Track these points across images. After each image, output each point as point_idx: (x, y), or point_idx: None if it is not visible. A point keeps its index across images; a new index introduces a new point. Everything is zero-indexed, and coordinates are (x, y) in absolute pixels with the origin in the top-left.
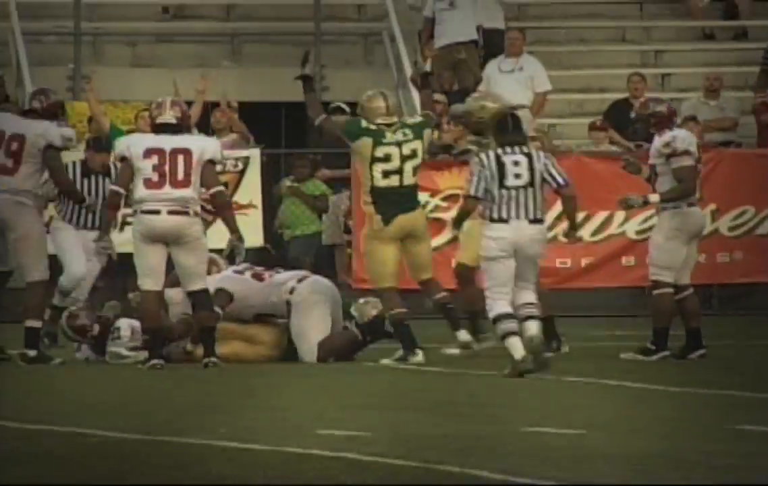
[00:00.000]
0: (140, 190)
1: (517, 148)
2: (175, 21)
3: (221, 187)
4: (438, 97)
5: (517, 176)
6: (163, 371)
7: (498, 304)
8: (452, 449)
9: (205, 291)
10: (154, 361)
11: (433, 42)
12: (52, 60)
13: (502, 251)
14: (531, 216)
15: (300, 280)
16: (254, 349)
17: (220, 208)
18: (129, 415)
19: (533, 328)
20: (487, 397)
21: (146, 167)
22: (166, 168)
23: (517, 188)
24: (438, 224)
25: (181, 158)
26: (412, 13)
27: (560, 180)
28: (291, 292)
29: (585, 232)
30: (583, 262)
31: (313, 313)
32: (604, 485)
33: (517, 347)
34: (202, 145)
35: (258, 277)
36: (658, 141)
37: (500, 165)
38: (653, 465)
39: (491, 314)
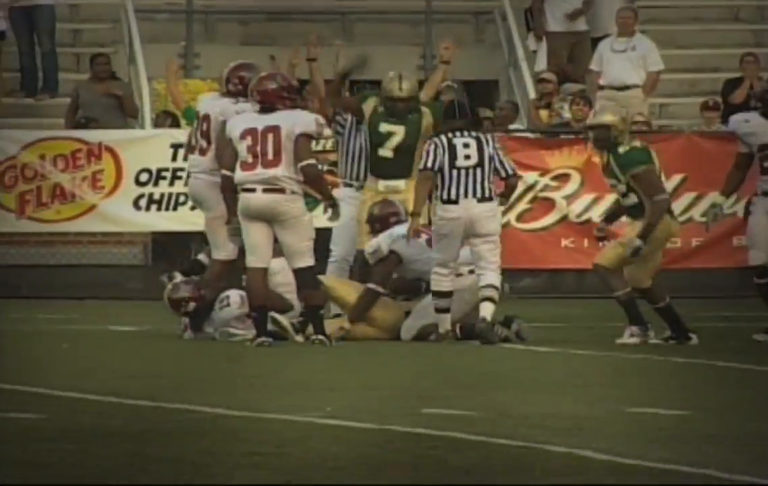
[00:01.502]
0: (239, 173)
1: (465, 133)
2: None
3: (311, 160)
4: (548, 75)
5: (467, 158)
6: (270, 349)
7: (440, 281)
8: (557, 429)
9: (310, 268)
10: (262, 339)
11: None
12: (165, 37)
13: (451, 230)
14: (479, 195)
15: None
16: (370, 331)
17: (310, 180)
18: (234, 393)
19: (486, 310)
20: (592, 377)
21: (242, 149)
22: (258, 148)
23: (466, 168)
24: (547, 203)
25: (270, 137)
26: None
27: (508, 169)
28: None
29: (695, 212)
30: (694, 242)
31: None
32: (710, 467)
33: (445, 322)
34: (293, 120)
35: (430, 243)
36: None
37: (451, 147)
38: (760, 447)
39: (433, 287)
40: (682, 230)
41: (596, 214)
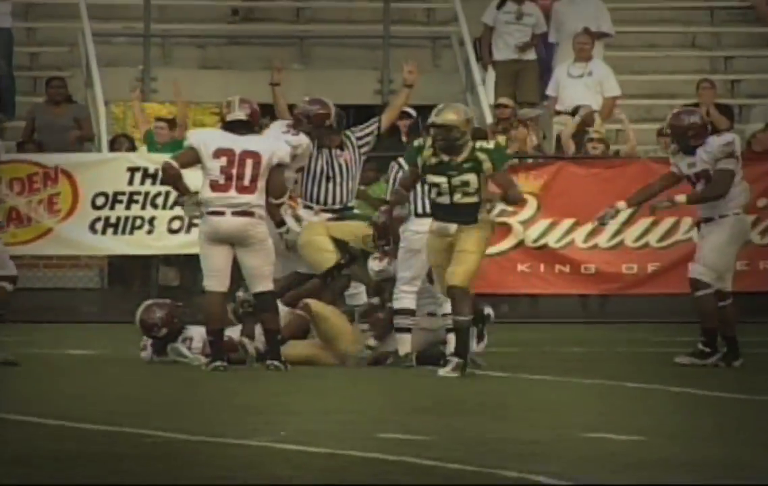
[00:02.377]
0: (206, 191)
1: None
2: (244, 23)
3: (283, 198)
4: (505, 100)
5: None
6: (225, 373)
7: (404, 298)
8: (511, 454)
9: (271, 293)
10: (217, 364)
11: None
12: (122, 61)
13: (424, 245)
14: None
15: None
16: (328, 355)
17: (274, 207)
18: (191, 417)
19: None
20: (547, 402)
21: (214, 168)
22: (234, 171)
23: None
24: (504, 228)
25: (249, 162)
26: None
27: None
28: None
29: (652, 238)
30: (650, 267)
31: None
32: None
33: (405, 344)
34: (272, 149)
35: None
36: (717, 141)
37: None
38: (713, 472)
39: (396, 305)
40: (638, 256)
41: (552, 239)
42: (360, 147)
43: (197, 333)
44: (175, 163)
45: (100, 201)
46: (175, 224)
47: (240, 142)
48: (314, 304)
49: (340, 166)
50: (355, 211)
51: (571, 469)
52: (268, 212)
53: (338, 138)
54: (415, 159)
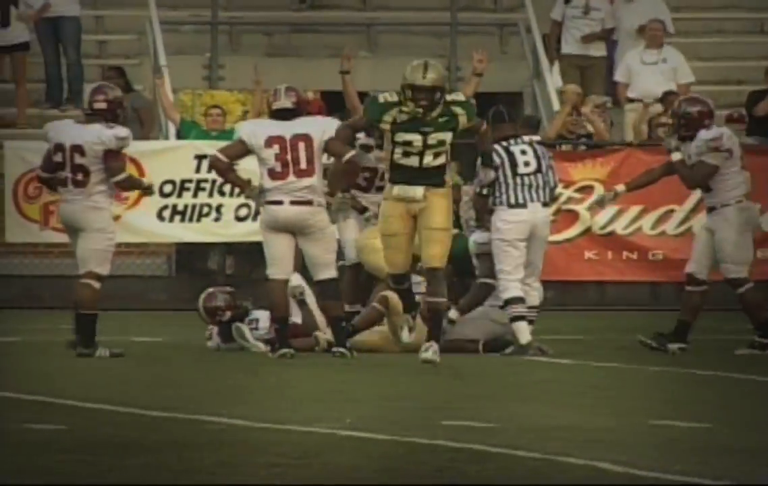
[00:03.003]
0: (266, 181)
1: (519, 140)
2: (311, 11)
3: (351, 155)
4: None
5: (527, 164)
6: (290, 360)
7: (510, 287)
8: (576, 441)
9: (334, 280)
10: (284, 351)
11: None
12: (189, 49)
13: (519, 234)
14: (542, 199)
15: None
16: (387, 344)
17: (352, 171)
18: (254, 404)
19: (524, 332)
20: (613, 389)
21: (269, 157)
22: (288, 156)
23: (528, 175)
24: (571, 216)
25: (302, 145)
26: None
27: (555, 182)
28: None
29: None
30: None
31: None
32: (729, 480)
33: (523, 331)
34: (322, 127)
35: None
36: (704, 135)
37: (510, 155)
38: None
39: (505, 296)
40: None
41: (620, 226)
42: None
43: (263, 315)
44: (222, 156)
45: (167, 188)
46: (243, 212)
47: (289, 128)
48: (392, 297)
49: None
50: None
51: (636, 456)
52: (330, 184)
53: None
54: (379, 115)
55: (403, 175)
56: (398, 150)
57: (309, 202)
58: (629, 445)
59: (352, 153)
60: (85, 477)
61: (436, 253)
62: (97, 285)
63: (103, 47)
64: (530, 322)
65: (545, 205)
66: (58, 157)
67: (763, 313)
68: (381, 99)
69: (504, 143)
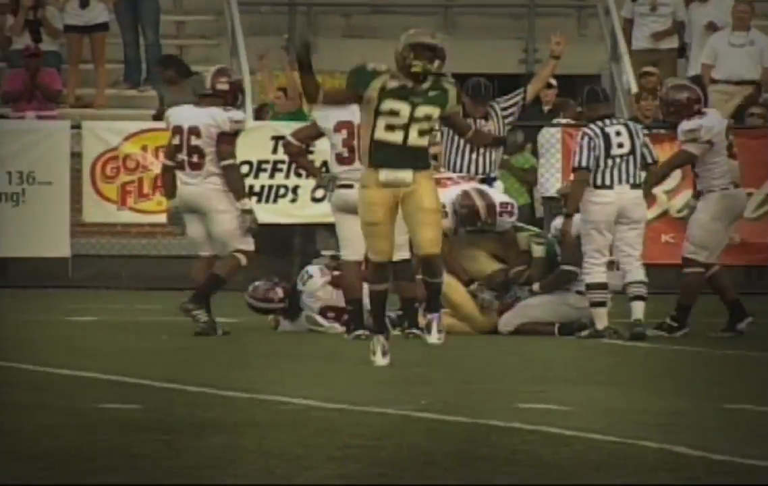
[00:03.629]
0: (334, 165)
1: (615, 120)
2: None
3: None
4: (651, 69)
5: (620, 145)
6: (365, 341)
7: (594, 271)
8: (652, 425)
9: (407, 261)
10: (359, 332)
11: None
12: (267, 30)
13: (605, 216)
14: (632, 181)
15: None
16: (463, 325)
17: None
18: (328, 385)
19: (638, 311)
20: (689, 372)
21: (337, 142)
22: (355, 142)
23: (620, 156)
24: (648, 198)
25: None
26: None
27: (654, 156)
28: None
29: None
30: None
31: None
32: None
33: (602, 317)
34: None
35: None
36: (683, 126)
37: (605, 136)
38: None
39: (587, 280)
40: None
41: None
42: (505, 117)
43: (312, 268)
44: (293, 140)
45: (244, 169)
46: (319, 193)
47: (357, 112)
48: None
49: None
50: (498, 182)
51: (712, 440)
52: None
53: (483, 108)
54: (367, 83)
55: (386, 155)
56: (381, 122)
57: None
58: (705, 428)
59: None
60: (161, 457)
61: (431, 236)
62: (243, 260)
63: (181, 27)
64: (638, 297)
65: (635, 186)
66: (176, 140)
67: (691, 301)
68: (369, 67)
69: (600, 123)
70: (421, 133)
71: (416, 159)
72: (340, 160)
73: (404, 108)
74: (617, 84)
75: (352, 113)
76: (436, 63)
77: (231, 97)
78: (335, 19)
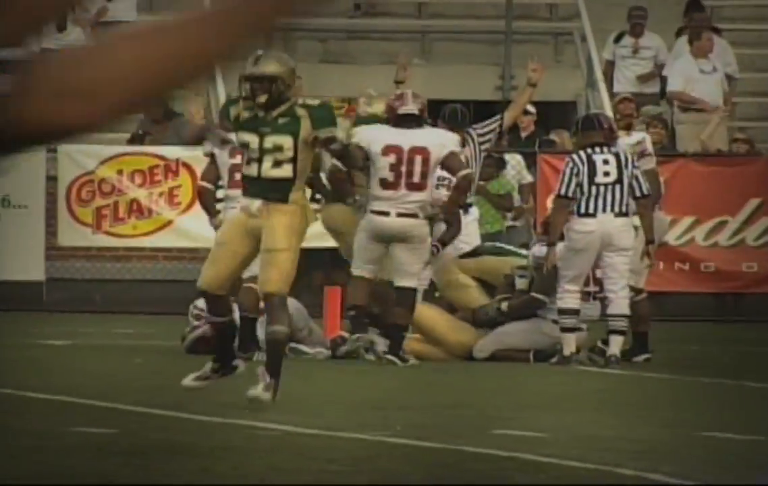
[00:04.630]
0: (376, 188)
1: (605, 148)
2: (365, 18)
3: (466, 171)
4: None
5: (606, 174)
6: (341, 366)
7: (568, 298)
8: (628, 452)
9: (412, 290)
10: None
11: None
12: (243, 55)
13: (586, 245)
14: (617, 209)
15: None
16: (438, 352)
17: (458, 190)
18: (305, 410)
19: (615, 345)
20: (665, 400)
21: (383, 166)
22: (403, 169)
23: (605, 185)
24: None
25: (418, 159)
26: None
27: (644, 190)
28: None
29: None
30: None
31: None
32: None
33: (570, 343)
34: (443, 141)
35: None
36: (626, 140)
37: (591, 163)
38: None
39: (559, 304)
40: (759, 255)
41: (672, 237)
42: (481, 144)
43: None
44: (342, 166)
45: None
46: None
47: (408, 138)
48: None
49: None
50: (474, 208)
51: (688, 468)
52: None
53: (460, 135)
54: (227, 113)
55: (247, 186)
56: (244, 154)
57: (415, 215)
58: (681, 456)
59: (467, 171)
60: (137, 481)
61: (270, 276)
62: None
63: None
64: (618, 332)
65: (621, 214)
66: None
67: (646, 327)
68: (232, 95)
69: (589, 150)
70: (276, 163)
71: (269, 190)
72: (384, 184)
73: (253, 140)
74: (593, 110)
75: (403, 138)
76: (274, 88)
77: None
78: (312, 44)
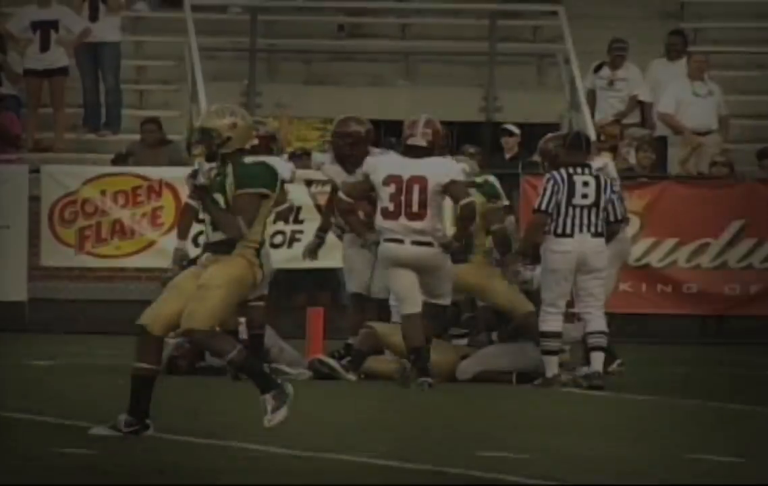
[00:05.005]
0: (379, 219)
1: (587, 170)
2: (349, 39)
3: (469, 199)
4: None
5: (584, 196)
6: (328, 389)
7: (549, 321)
8: (611, 473)
9: (441, 307)
10: (423, 380)
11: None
12: (228, 76)
13: (563, 265)
14: (593, 230)
15: None
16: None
17: (462, 221)
18: (289, 431)
19: (597, 362)
20: (650, 422)
21: (385, 195)
22: (402, 198)
23: (582, 207)
24: None
25: (416, 188)
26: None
27: (618, 215)
28: None
29: (755, 259)
30: (753, 289)
31: None
32: None
33: (552, 365)
34: (443, 169)
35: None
36: (593, 164)
37: (570, 183)
38: None
39: (542, 327)
40: (741, 276)
41: (655, 258)
42: None
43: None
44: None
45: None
46: (277, 239)
47: (409, 168)
48: (379, 326)
49: None
50: None
51: None
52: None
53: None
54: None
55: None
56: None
57: (429, 244)
58: (664, 478)
59: (470, 198)
60: None
61: (195, 310)
62: None
63: (141, 72)
64: (597, 348)
65: (597, 235)
66: None
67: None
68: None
69: (571, 169)
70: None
71: (214, 245)
72: (385, 214)
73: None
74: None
75: (404, 168)
76: (209, 142)
77: (264, 150)
78: (296, 65)
